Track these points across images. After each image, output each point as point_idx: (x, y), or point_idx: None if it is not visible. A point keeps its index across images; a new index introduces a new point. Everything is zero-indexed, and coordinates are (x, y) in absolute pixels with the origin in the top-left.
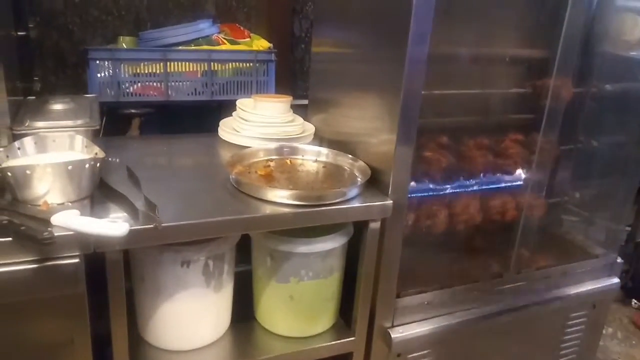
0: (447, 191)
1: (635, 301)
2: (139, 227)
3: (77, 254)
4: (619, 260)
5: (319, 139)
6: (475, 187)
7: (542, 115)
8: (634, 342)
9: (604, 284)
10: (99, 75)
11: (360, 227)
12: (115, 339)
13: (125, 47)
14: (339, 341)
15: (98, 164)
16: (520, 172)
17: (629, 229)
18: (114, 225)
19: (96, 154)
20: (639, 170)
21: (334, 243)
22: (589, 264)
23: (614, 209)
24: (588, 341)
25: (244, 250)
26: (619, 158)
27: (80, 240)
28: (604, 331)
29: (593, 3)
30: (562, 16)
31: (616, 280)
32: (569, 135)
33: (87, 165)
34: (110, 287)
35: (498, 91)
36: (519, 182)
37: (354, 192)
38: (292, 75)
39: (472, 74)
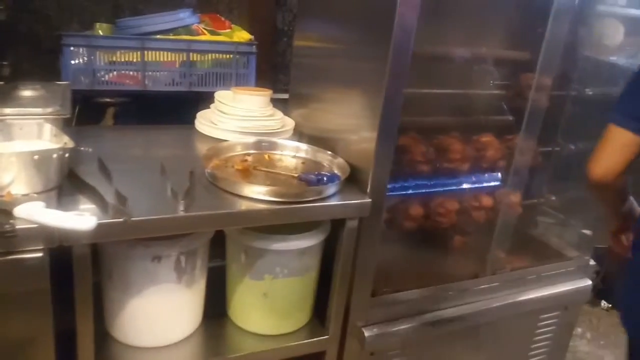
0: (425, 191)
1: (605, 302)
2: (108, 220)
3: (41, 247)
4: (592, 262)
5: (299, 134)
6: (453, 187)
7: (522, 117)
8: (602, 342)
9: (577, 286)
10: (73, 62)
11: (337, 225)
12: (80, 335)
13: (101, 34)
14: (312, 340)
15: (67, 154)
16: (498, 173)
17: None
18: (80, 218)
19: (65, 143)
20: None
21: (310, 241)
22: (562, 266)
23: (588, 213)
24: (559, 342)
25: (218, 245)
26: None
27: (45, 233)
28: (573, 331)
29: (576, 8)
30: (546, 19)
31: (588, 282)
32: (548, 137)
33: (54, 155)
34: (76, 282)
35: (480, 92)
36: (496, 183)
37: (332, 189)
38: (274, 69)
39: (454, 74)
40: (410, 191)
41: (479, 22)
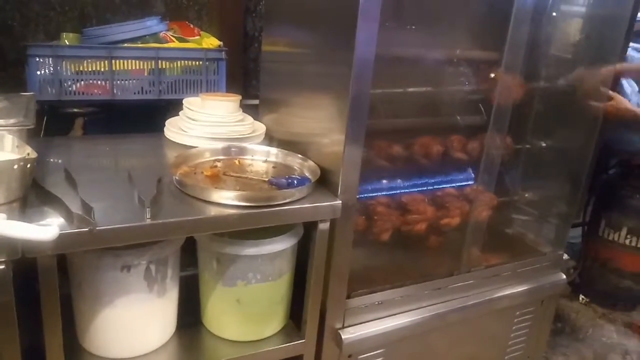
0: (397, 191)
1: (583, 296)
2: (73, 230)
3: (3, 259)
4: (565, 257)
5: (270, 138)
6: (425, 187)
7: (490, 115)
8: (580, 336)
9: (552, 281)
10: (39, 72)
11: (310, 228)
12: (49, 349)
13: (68, 43)
14: (288, 344)
15: (29, 165)
16: (469, 171)
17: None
18: (42, 228)
19: (28, 154)
20: (585, 170)
21: (282, 244)
22: (537, 261)
23: (561, 208)
24: (537, 336)
25: (191, 253)
26: (566, 158)
27: (6, 244)
28: (552, 326)
29: (537, 7)
30: (508, 19)
31: (563, 276)
32: (517, 135)
33: (15, 166)
34: (42, 294)
35: (447, 91)
36: (469, 182)
37: (302, 192)
38: (246, 75)
39: (421, 75)
40: (381, 192)
41: (442, 22)
